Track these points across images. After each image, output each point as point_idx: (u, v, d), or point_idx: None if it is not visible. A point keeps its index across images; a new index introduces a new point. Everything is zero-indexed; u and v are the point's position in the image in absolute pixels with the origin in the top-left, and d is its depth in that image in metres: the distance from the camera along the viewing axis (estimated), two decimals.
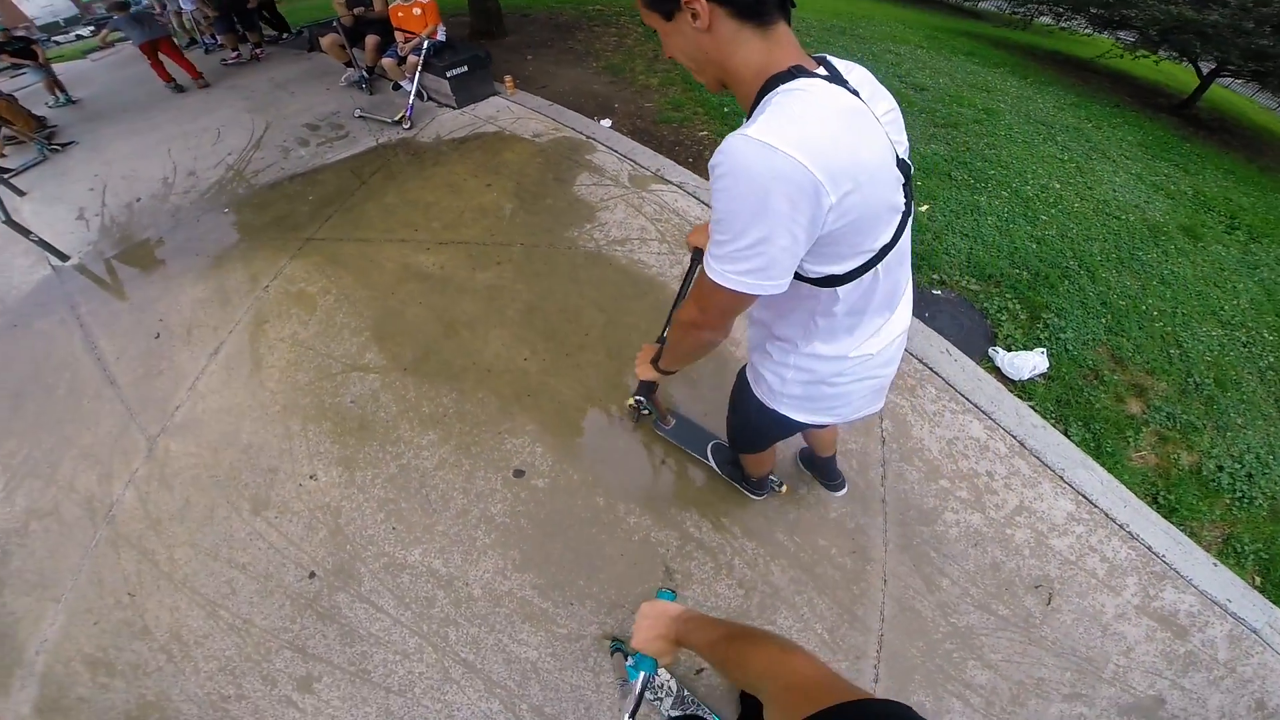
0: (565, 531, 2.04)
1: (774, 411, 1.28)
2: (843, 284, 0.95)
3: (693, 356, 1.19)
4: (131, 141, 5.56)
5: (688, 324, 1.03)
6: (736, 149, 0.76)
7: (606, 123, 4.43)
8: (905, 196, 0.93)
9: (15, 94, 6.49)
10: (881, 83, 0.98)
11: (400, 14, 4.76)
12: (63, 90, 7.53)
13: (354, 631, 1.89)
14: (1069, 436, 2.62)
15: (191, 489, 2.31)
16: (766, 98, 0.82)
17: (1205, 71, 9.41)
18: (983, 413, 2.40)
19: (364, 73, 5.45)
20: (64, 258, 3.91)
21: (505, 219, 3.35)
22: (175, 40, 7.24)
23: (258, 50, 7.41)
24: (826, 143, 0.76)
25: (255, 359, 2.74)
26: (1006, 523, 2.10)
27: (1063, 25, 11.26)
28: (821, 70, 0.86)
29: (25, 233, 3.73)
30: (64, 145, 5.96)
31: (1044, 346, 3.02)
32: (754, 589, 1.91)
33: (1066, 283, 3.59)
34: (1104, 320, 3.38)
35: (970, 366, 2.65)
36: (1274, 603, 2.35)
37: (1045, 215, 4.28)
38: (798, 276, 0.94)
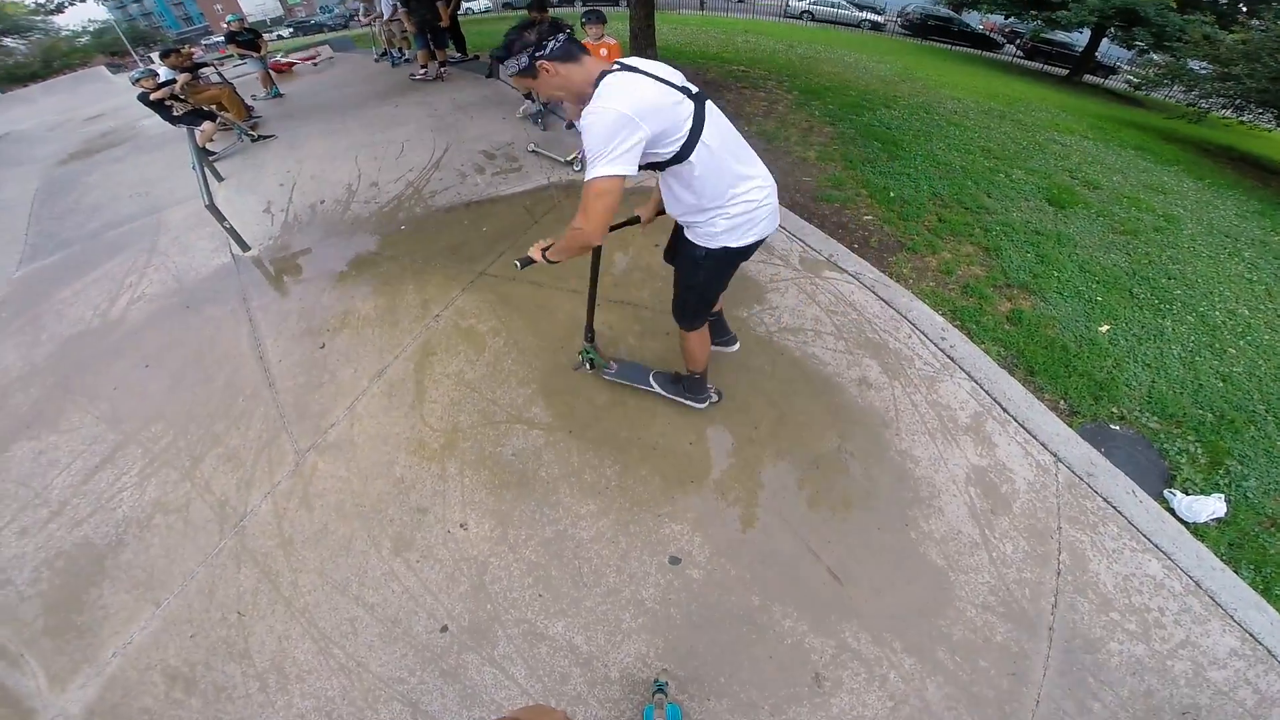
0: (715, 626, 1.99)
1: (717, 250, 1.91)
2: (684, 160, 1.68)
3: (573, 253, 1.85)
4: (325, 143, 6.05)
5: (574, 228, 1.68)
6: (594, 112, 1.55)
7: None
8: (695, 108, 1.66)
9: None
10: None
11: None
12: (273, 84, 8.46)
13: (476, 695, 1.82)
14: (1239, 574, 2.50)
15: (333, 514, 2.27)
16: (596, 90, 1.59)
17: None
18: (1162, 552, 2.34)
19: (541, 106, 5.77)
20: (246, 247, 4.10)
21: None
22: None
23: (443, 69, 8.01)
24: (635, 97, 1.54)
25: (419, 390, 2.74)
26: (1169, 655, 2.05)
27: (1243, 119, 10.40)
28: (616, 67, 1.65)
29: (220, 218, 3.91)
30: (265, 138, 6.48)
31: (1223, 493, 2.87)
32: (904, 702, 1.84)
33: (1253, 429, 3.30)
34: None
35: (1154, 508, 2.54)
36: None
37: (1233, 348, 3.91)
38: (664, 164, 1.71)
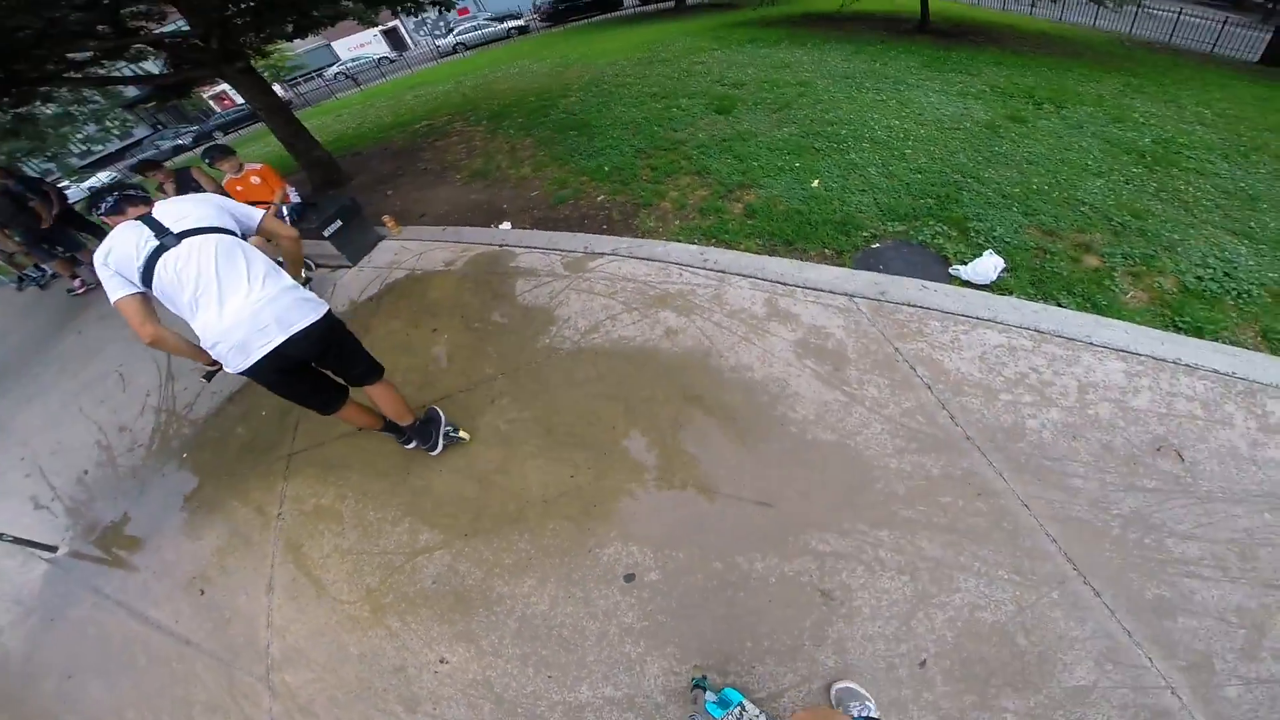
0: (704, 607, 2.04)
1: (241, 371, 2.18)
2: (149, 288, 2.03)
3: (170, 351, 2.20)
4: (32, 410, 4.76)
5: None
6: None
7: (505, 225, 4.49)
8: (157, 245, 2.00)
9: None
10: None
11: (239, 188, 4.48)
12: None
13: None
14: (1062, 307, 2.87)
15: (337, 710, 2.22)
16: None
17: None
18: (989, 321, 2.57)
19: None
20: (51, 549, 3.47)
21: (472, 357, 3.30)
22: None
23: None
24: (108, 244, 2.00)
25: (314, 581, 2.63)
26: (1082, 405, 2.21)
27: None
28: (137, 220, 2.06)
29: None
30: None
31: (987, 248, 3.40)
32: (917, 571, 1.95)
33: (965, 193, 4.10)
34: (1015, 208, 3.90)
35: (950, 289, 2.87)
36: None
37: (908, 149, 4.86)
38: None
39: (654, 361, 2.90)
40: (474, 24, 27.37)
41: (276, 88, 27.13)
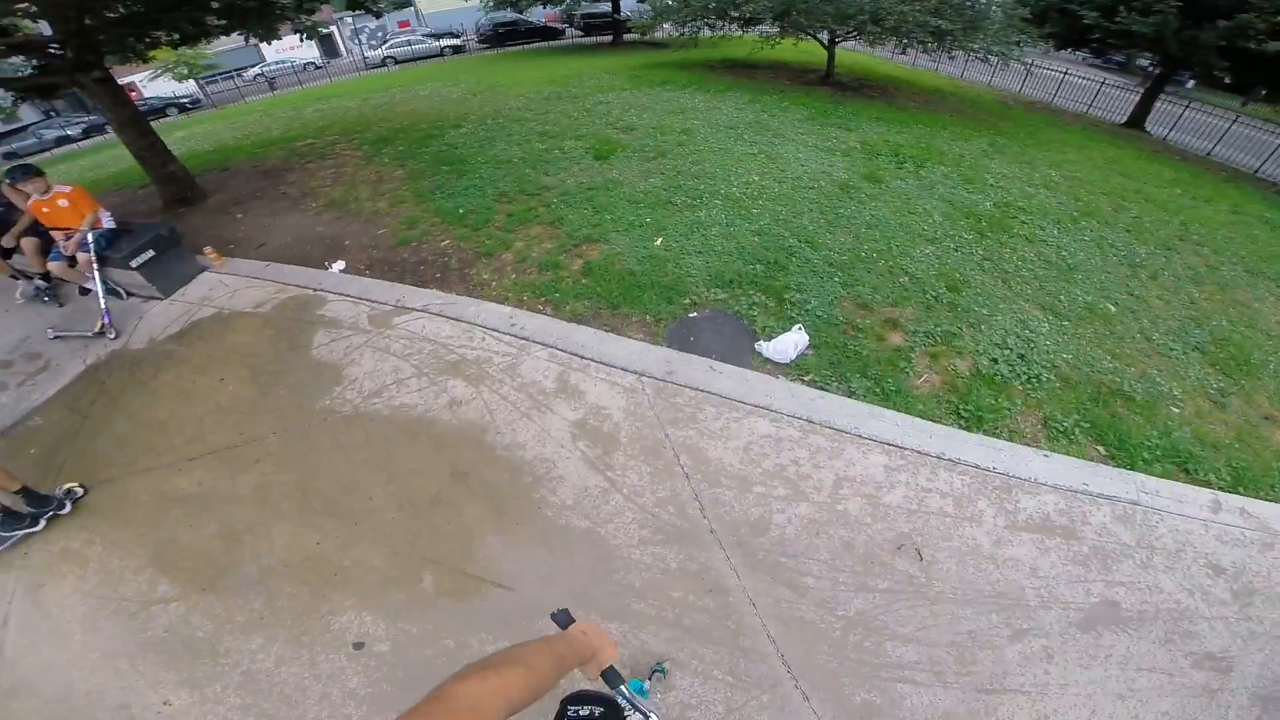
0: (430, 681, 1.90)
1: None
2: None
3: None
4: None
5: None
6: None
7: (339, 265, 4.26)
8: None
9: None
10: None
11: (45, 210, 4.10)
12: None
13: None
14: (852, 392, 2.88)
15: None
16: None
17: (826, 41, 11.73)
18: (763, 409, 2.56)
19: (39, 283, 4.64)
20: None
21: (250, 412, 3.08)
22: None
23: None
24: None
25: (49, 619, 2.55)
26: (833, 500, 2.20)
27: (721, 34, 12.83)
28: None
29: None
30: None
31: (799, 322, 3.40)
32: (638, 666, 1.92)
33: (794, 259, 4.14)
34: (837, 278, 3.93)
35: (736, 372, 2.85)
36: (1128, 468, 2.54)
37: (756, 208, 4.93)
38: None
39: (429, 433, 2.76)
40: (407, 39, 26.91)
41: (190, 84, 25.36)
